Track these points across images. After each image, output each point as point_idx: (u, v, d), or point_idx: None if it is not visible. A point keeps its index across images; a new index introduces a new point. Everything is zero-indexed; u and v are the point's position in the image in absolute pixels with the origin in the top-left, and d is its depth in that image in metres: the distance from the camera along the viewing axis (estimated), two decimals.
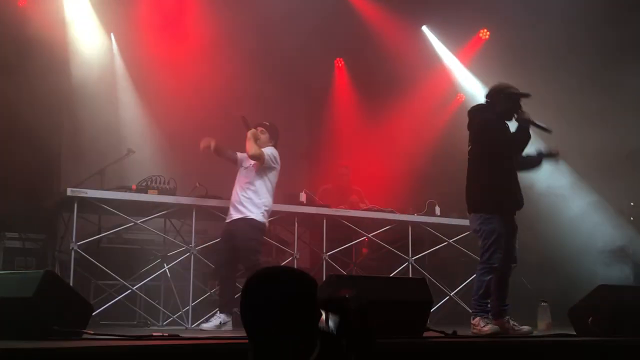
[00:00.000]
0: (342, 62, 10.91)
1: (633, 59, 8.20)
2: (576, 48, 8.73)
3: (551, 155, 5.84)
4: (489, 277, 5.48)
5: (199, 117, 7.87)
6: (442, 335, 4.78)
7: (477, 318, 5.47)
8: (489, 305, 5.58)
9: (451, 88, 10.67)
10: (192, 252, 6.77)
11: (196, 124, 7.79)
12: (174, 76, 7.58)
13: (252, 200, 6.37)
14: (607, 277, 7.35)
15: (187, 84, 7.61)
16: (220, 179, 7.03)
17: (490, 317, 5.52)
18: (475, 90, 9.93)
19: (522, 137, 5.61)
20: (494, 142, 5.60)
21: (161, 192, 6.63)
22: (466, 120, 5.86)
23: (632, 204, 8.46)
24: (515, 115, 5.60)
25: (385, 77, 10.09)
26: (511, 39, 9.22)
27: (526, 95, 5.65)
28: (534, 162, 5.85)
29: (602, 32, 8.45)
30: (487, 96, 5.79)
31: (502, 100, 5.64)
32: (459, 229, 7.92)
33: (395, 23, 9.53)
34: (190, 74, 7.65)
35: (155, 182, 6.63)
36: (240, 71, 8.09)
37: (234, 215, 6.40)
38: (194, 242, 6.81)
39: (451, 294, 7.81)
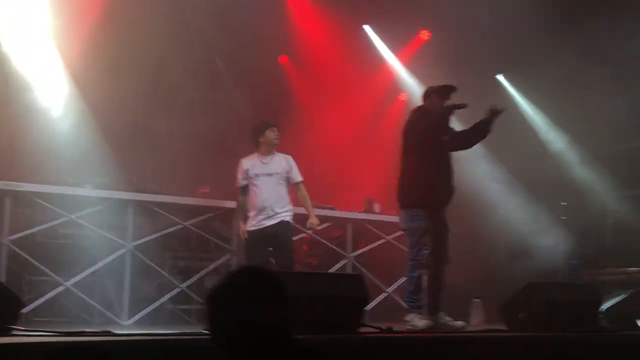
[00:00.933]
0: (286, 59, 10.91)
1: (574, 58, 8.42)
2: (515, 49, 8.95)
3: (493, 112, 5.70)
4: (417, 274, 5.58)
5: (135, 109, 7.76)
6: (377, 330, 4.83)
7: (411, 314, 5.56)
8: (420, 301, 5.67)
9: (393, 87, 10.79)
10: (128, 249, 6.66)
11: (132, 116, 7.67)
12: (108, 67, 7.43)
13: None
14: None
15: (124, 75, 7.47)
16: (157, 174, 6.94)
17: (423, 312, 5.60)
18: (417, 90, 10.09)
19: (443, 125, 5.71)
20: (415, 137, 5.66)
21: (97, 186, 6.51)
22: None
23: (564, 203, 8.71)
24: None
25: (327, 75, 10.14)
26: (451, 39, 9.38)
27: (452, 89, 5.67)
28: (480, 128, 5.80)
29: (543, 35, 8.69)
30: (422, 100, 5.92)
31: (433, 99, 5.72)
32: (398, 226, 8.02)
33: (336, 21, 9.54)
34: (125, 64, 7.52)
35: (92, 177, 6.49)
36: (176, 60, 8.01)
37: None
38: (130, 238, 6.70)
39: (388, 291, 7.90)
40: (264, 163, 6.36)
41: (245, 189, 6.39)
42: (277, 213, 6.26)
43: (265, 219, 6.26)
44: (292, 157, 6.56)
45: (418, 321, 5.47)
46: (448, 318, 5.66)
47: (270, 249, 6.33)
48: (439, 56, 9.20)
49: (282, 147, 6.62)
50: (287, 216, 6.33)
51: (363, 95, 10.34)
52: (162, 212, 6.88)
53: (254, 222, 6.28)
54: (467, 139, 5.95)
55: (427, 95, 5.83)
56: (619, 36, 8.10)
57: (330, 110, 10.03)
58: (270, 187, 6.30)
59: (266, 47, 9.48)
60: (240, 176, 6.38)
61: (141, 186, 6.85)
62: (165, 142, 8.38)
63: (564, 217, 8.61)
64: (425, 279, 5.70)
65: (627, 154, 8.81)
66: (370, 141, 10.25)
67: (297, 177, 6.43)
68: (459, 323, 5.65)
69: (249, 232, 6.27)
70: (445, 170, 5.76)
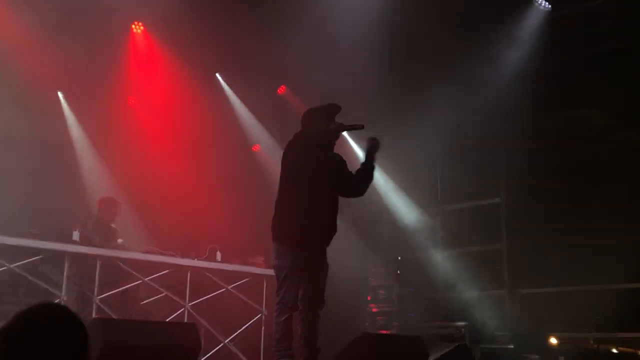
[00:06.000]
0: (134, 100, 10.70)
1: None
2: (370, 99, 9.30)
3: (371, 146, 5.34)
4: (284, 318, 5.00)
5: None
6: None
7: None
8: (291, 349, 5.04)
9: (245, 137, 10.81)
10: None
11: None
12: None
13: None
14: None
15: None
16: None
17: None
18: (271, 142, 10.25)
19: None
20: (289, 165, 5.17)
21: None
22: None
23: (399, 258, 9.08)
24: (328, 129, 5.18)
25: (176, 121, 10.08)
26: (308, 94, 9.60)
27: (336, 108, 5.26)
28: (365, 170, 5.39)
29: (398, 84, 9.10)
30: (302, 123, 5.32)
31: (312, 121, 5.23)
32: (240, 275, 7.99)
33: (188, 67, 9.49)
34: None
35: None
36: None
37: None
38: None
39: (225, 342, 7.78)
40: None
41: None
42: None
43: None
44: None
45: None
46: None
47: None
48: (295, 109, 9.36)
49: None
50: None
51: (214, 146, 10.33)
52: None
53: None
54: (354, 185, 5.41)
55: (308, 117, 5.28)
56: None
57: (176, 156, 9.90)
58: None
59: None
60: None
61: None
62: None
63: (398, 272, 8.95)
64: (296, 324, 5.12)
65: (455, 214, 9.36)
66: (218, 190, 10.20)
67: None
68: None
69: None
70: (321, 204, 5.17)
